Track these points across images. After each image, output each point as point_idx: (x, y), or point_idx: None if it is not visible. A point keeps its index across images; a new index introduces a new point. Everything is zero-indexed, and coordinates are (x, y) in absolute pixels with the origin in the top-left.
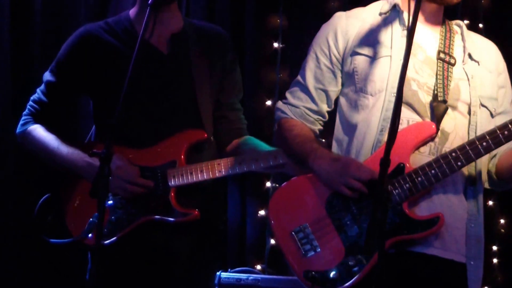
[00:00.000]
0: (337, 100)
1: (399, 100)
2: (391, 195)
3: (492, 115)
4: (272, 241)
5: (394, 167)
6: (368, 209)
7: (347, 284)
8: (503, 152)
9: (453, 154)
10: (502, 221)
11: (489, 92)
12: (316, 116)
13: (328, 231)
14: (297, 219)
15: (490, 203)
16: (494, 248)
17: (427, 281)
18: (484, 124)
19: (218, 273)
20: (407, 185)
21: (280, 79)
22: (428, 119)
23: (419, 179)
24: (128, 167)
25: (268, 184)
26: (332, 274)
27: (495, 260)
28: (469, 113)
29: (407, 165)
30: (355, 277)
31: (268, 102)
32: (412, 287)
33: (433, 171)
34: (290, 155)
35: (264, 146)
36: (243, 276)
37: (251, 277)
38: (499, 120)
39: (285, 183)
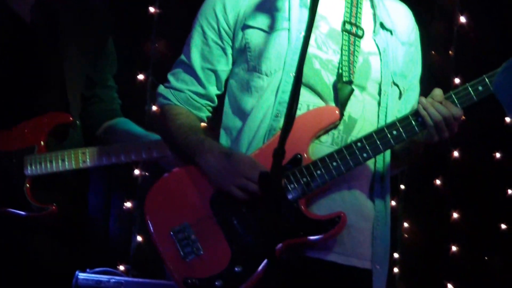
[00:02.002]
0: (226, 82)
1: (298, 80)
2: (285, 191)
3: (400, 95)
4: (139, 239)
5: (290, 158)
6: (259, 208)
7: None
8: None
9: (359, 144)
10: (405, 224)
11: (402, 67)
12: (203, 101)
13: (213, 233)
14: (177, 217)
15: (393, 203)
16: (396, 255)
17: None
18: (394, 106)
19: (75, 273)
20: (305, 179)
21: (156, 50)
22: (332, 103)
23: (318, 172)
24: None
25: (137, 172)
26: (216, 282)
27: (396, 270)
28: (380, 93)
29: (305, 156)
30: (242, 285)
31: (140, 76)
32: None
33: (334, 163)
34: (173, 148)
35: (139, 131)
36: (103, 278)
37: (113, 280)
38: (406, 100)
39: (166, 174)
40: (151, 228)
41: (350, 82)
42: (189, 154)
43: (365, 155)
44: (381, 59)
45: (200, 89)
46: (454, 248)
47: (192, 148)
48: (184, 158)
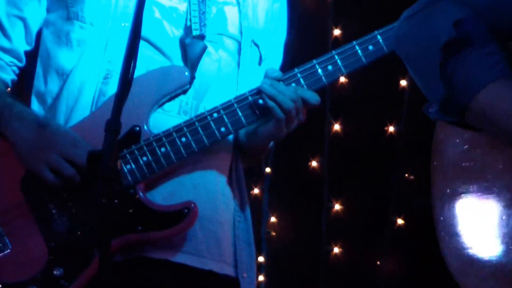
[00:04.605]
0: (38, 34)
1: (135, 33)
2: (120, 175)
3: (260, 60)
4: None
5: (125, 131)
6: (85, 194)
7: None
8: None
9: (215, 114)
10: (272, 219)
11: (263, 26)
12: (8, 58)
13: (25, 224)
14: None
15: (256, 191)
16: (261, 259)
17: None
18: (255, 70)
19: None
20: (145, 158)
21: None
22: (179, 63)
23: (163, 150)
24: None
25: None
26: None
27: (261, 278)
28: (239, 53)
29: (145, 128)
30: None
31: None
32: None
33: (183, 139)
34: None
35: None
36: None
37: None
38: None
39: None
40: None
41: (201, 37)
42: None
43: (223, 129)
44: (239, 10)
45: (4, 42)
46: (336, 250)
47: None
48: None
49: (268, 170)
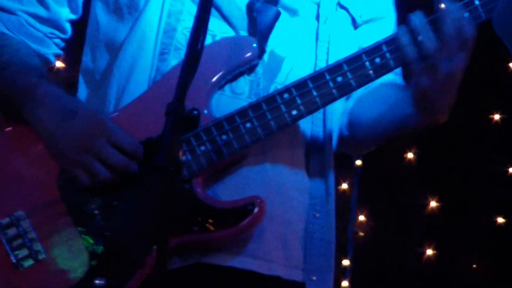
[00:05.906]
0: (88, 3)
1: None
2: (182, 168)
3: (356, 24)
4: None
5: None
6: (133, 189)
7: None
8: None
9: (286, 95)
10: (361, 218)
11: None
12: (47, 30)
13: (62, 227)
14: (5, 205)
15: (344, 186)
16: (346, 262)
17: None
18: (342, 39)
19: None
20: (203, 147)
21: None
22: (245, 32)
23: (224, 137)
24: None
25: None
26: None
27: (345, 283)
28: (318, 19)
29: (205, 112)
30: None
31: None
32: None
33: (248, 125)
34: None
35: None
36: None
37: None
38: (367, 33)
39: None
40: None
41: (274, 1)
42: (15, 105)
43: (294, 112)
44: None
45: (41, 11)
46: (429, 252)
47: (19, 97)
48: (11, 113)
49: (358, 162)
